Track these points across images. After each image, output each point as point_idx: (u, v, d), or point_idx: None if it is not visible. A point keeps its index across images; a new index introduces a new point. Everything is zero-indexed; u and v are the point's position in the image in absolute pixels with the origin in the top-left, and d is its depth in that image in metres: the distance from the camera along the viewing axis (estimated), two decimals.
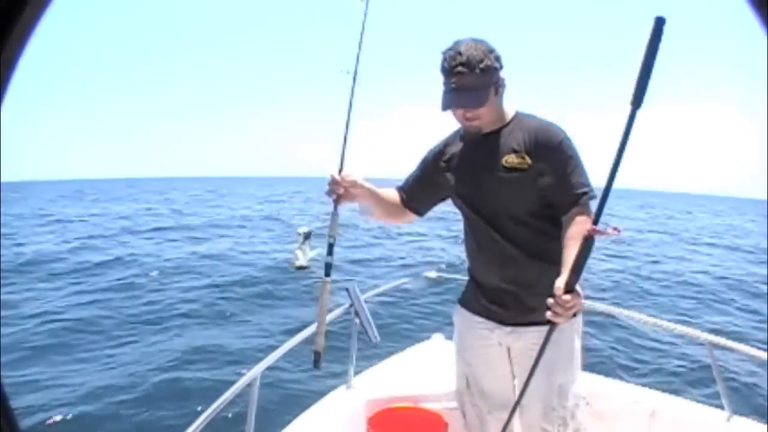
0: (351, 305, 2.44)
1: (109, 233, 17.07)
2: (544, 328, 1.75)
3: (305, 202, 36.45)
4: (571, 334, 1.87)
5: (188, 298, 8.53)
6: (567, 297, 1.42)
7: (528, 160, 1.75)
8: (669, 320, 2.84)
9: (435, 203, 2.07)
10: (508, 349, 1.96)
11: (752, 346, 2.30)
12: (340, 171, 1.83)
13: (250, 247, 14.27)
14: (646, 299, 9.65)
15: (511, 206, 1.81)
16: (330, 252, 1.87)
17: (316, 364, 1.90)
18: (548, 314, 1.45)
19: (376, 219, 2.06)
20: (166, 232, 17.39)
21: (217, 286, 9.35)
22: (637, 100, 1.22)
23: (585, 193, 1.70)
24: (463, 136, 1.93)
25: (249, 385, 1.92)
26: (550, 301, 1.44)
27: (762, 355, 2.19)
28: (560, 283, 1.43)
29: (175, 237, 16.31)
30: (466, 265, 2.06)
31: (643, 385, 2.82)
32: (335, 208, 1.84)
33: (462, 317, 2.07)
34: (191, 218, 22.63)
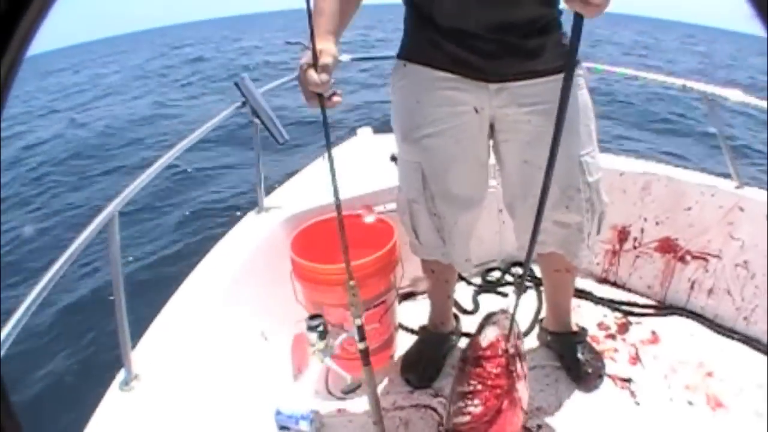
0: (244, 102, 1.91)
1: None
2: (548, 81, 1.35)
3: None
4: (582, 94, 1.46)
5: None
6: None
7: None
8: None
9: None
10: (491, 122, 1.48)
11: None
12: (314, 63, 1.13)
13: None
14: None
15: None
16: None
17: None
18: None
19: None
20: None
21: None
22: None
23: None
24: None
25: (107, 225, 1.40)
26: None
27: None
28: None
29: None
30: (405, 13, 1.47)
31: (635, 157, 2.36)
32: (324, 115, 1.19)
33: (412, 78, 1.48)
34: None
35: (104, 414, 1.30)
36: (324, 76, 1.14)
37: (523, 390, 1.37)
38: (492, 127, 1.50)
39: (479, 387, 1.33)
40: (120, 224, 1.42)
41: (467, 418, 1.31)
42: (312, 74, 1.13)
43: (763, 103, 1.83)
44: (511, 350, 1.36)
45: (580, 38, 1.00)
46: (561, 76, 1.24)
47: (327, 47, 1.18)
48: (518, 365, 1.36)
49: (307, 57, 1.14)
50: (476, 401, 1.32)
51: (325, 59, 1.15)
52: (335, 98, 1.19)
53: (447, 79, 1.42)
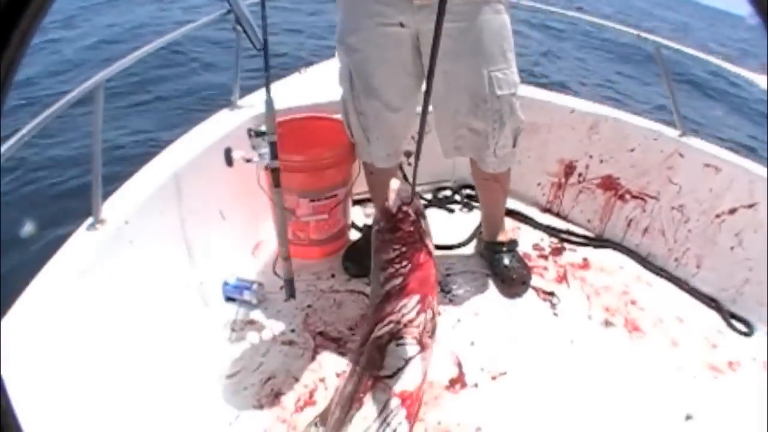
0: (229, 11, 1.99)
1: None
2: (467, 2, 1.55)
3: None
4: (499, 17, 1.61)
5: None
6: None
7: None
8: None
9: None
10: (416, 36, 1.64)
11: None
12: None
13: None
14: None
15: None
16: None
17: (292, 293, 1.71)
18: None
19: None
20: None
21: None
22: None
23: None
24: None
25: (93, 91, 1.45)
26: None
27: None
28: None
29: None
30: None
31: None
32: None
33: None
34: None
35: (69, 249, 1.40)
36: None
37: (430, 243, 1.55)
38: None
39: (403, 249, 1.49)
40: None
41: (400, 279, 1.46)
42: None
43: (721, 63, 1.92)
44: (416, 211, 1.55)
45: None
46: None
47: None
48: (423, 222, 1.55)
49: None
50: (404, 262, 1.47)
51: None
52: None
53: None
